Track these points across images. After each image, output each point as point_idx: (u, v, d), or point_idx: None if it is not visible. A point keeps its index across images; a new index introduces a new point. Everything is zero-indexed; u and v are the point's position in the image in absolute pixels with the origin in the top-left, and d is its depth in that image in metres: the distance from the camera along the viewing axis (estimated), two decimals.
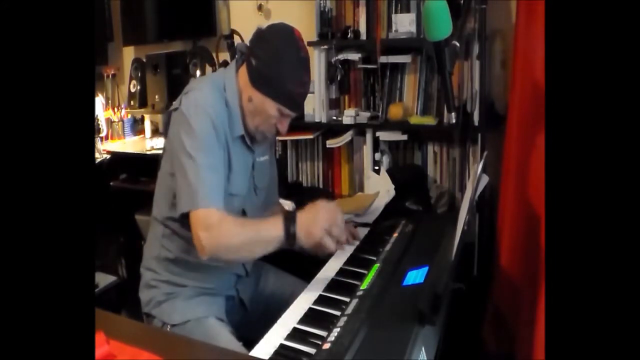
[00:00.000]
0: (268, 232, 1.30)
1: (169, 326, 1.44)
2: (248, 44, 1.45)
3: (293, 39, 1.38)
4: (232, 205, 1.44)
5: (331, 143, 2.28)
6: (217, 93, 1.41)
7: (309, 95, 2.24)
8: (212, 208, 1.30)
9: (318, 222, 1.29)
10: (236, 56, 1.49)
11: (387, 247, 1.54)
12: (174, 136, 1.39)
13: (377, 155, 2.19)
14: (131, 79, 3.00)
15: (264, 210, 1.72)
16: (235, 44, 1.90)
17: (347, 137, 2.24)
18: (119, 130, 3.04)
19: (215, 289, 1.51)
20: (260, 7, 2.66)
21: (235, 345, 1.32)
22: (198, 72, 2.69)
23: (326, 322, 1.18)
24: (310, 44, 2.22)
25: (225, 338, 1.36)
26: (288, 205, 1.97)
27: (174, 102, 1.44)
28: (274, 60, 1.37)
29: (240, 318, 1.56)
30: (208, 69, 2.64)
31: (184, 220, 1.37)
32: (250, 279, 1.62)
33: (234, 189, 1.44)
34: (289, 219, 1.29)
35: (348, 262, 1.54)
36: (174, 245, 1.48)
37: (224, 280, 1.52)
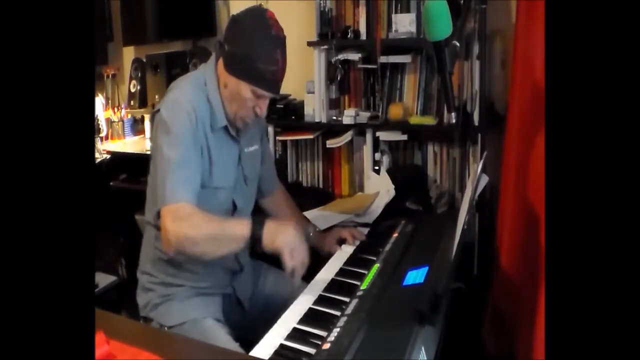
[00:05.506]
0: (233, 230, 1.31)
1: (166, 328, 1.44)
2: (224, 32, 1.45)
3: (263, 19, 1.37)
4: (218, 198, 1.44)
5: (331, 143, 2.28)
6: (197, 89, 1.42)
7: (309, 95, 2.27)
8: (181, 202, 1.31)
9: (284, 235, 1.29)
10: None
11: (387, 247, 1.54)
12: (154, 137, 1.42)
13: (377, 155, 2.18)
14: (131, 79, 3.00)
15: (264, 198, 1.72)
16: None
17: (347, 137, 2.23)
18: (119, 130, 3.04)
19: (211, 288, 1.51)
20: None
21: (233, 346, 1.32)
22: None
23: (326, 322, 1.19)
24: (310, 44, 2.22)
25: (222, 338, 1.36)
26: None
27: (157, 104, 1.45)
28: (243, 41, 1.37)
29: (239, 318, 1.56)
30: None
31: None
32: (249, 278, 1.62)
33: (218, 182, 1.45)
34: (258, 222, 1.31)
35: (348, 262, 1.54)
36: None
37: (219, 278, 1.52)
